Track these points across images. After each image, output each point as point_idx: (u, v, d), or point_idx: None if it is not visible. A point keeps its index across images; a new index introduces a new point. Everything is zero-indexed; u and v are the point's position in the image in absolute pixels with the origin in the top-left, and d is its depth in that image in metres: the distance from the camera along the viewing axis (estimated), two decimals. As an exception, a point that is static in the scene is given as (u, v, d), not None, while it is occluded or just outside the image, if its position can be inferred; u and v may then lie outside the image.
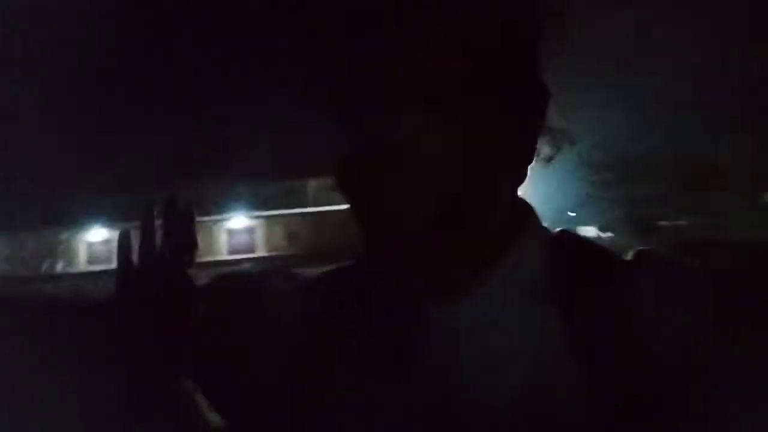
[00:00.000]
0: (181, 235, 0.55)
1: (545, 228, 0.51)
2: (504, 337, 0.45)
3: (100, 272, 13.28)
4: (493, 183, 0.46)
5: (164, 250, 0.55)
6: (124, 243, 0.55)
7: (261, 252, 14.43)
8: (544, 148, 0.49)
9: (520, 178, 0.48)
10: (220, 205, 14.63)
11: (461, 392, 0.45)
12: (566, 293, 0.45)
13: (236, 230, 14.69)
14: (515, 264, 0.47)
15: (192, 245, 0.57)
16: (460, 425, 0.44)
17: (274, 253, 14.16)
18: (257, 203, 14.68)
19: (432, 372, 0.46)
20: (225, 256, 14.54)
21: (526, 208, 0.51)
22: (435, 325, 0.47)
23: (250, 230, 14.61)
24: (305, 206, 15.76)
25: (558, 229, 0.50)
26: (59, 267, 13.62)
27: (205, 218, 14.80)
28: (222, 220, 14.67)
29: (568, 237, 0.50)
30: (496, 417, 0.44)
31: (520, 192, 0.50)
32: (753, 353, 0.42)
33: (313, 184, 16.88)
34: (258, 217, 14.67)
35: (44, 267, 12.42)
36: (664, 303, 0.44)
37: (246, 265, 12.59)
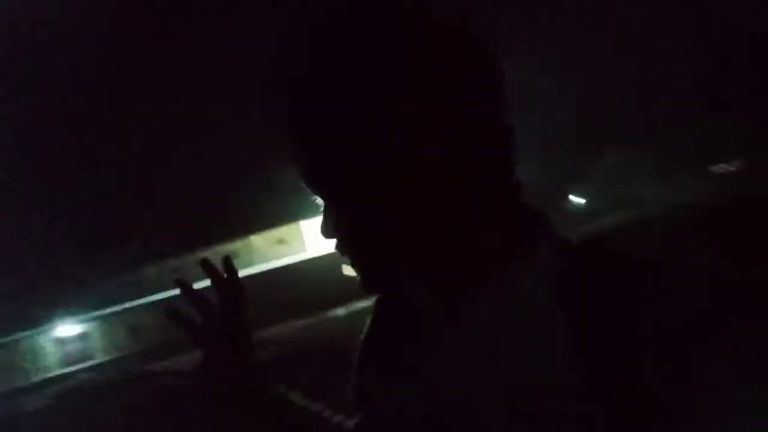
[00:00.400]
0: (233, 286, 0.70)
1: (563, 239, 0.52)
2: (510, 355, 0.47)
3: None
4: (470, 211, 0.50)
5: (223, 303, 0.69)
6: (176, 314, 0.69)
7: (101, 357, 12.83)
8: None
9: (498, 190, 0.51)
10: (46, 314, 12.93)
11: (475, 405, 0.47)
12: (578, 309, 0.45)
13: (68, 339, 12.95)
14: (521, 282, 0.49)
15: (243, 291, 0.71)
16: None
17: (115, 355, 12.65)
18: (89, 304, 13.16)
19: (444, 388, 0.50)
20: (60, 370, 12.80)
21: (536, 221, 0.53)
22: (444, 342, 0.51)
23: (83, 336, 12.94)
24: (144, 296, 14.39)
25: (580, 240, 0.51)
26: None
27: (27, 334, 12.93)
28: (49, 330, 12.93)
29: (589, 249, 0.49)
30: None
31: None
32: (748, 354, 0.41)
33: (151, 270, 15.54)
34: (92, 319, 13.12)
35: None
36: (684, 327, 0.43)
37: (84, 375, 11.06)
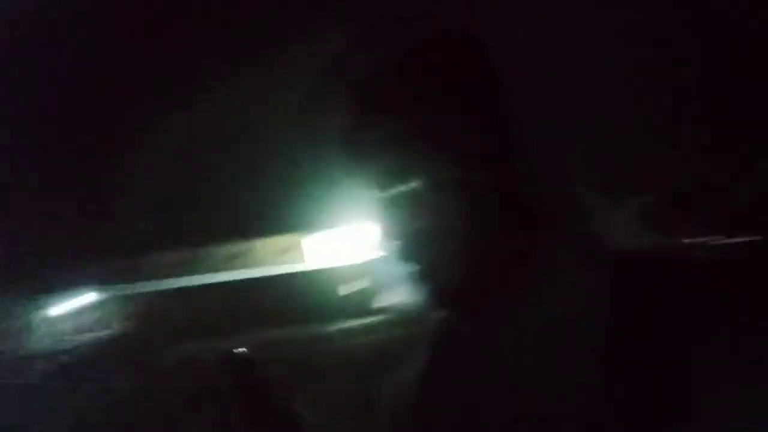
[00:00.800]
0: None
1: (599, 240, 0.51)
2: (543, 354, 0.46)
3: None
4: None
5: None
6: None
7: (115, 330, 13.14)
8: None
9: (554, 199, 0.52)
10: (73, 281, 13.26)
11: (518, 409, 0.47)
12: (612, 309, 0.45)
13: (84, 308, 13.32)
14: (552, 280, 0.49)
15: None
16: None
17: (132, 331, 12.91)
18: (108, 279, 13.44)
19: (493, 391, 0.48)
20: (79, 336, 13.10)
21: (574, 224, 0.52)
22: (478, 343, 0.50)
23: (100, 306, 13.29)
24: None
25: (613, 239, 0.50)
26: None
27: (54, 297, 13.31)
28: (71, 297, 13.29)
29: (630, 249, 0.50)
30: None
31: None
32: None
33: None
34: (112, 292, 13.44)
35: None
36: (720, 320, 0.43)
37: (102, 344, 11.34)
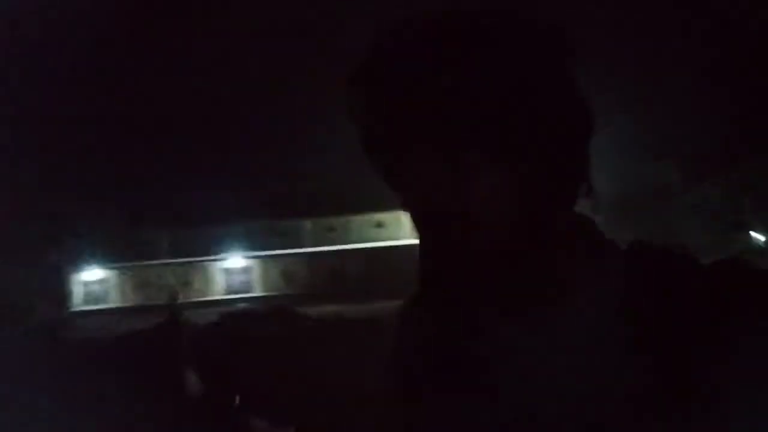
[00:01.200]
0: None
1: (611, 240, 0.49)
2: (574, 352, 0.45)
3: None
4: (547, 205, 0.46)
5: None
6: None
7: (257, 292, 14.50)
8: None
9: (575, 196, 0.48)
10: (217, 245, 14.77)
11: (536, 406, 0.45)
12: (637, 306, 0.45)
13: (233, 270, 14.78)
14: (577, 279, 0.47)
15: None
16: None
17: (270, 293, 14.24)
18: (254, 244, 14.85)
19: (508, 386, 0.47)
20: (223, 296, 14.61)
21: (586, 223, 0.50)
22: (510, 340, 0.47)
23: (246, 270, 14.72)
24: (301, 246, 15.86)
25: (631, 240, 0.49)
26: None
27: (203, 258, 14.93)
28: (219, 260, 14.76)
29: (641, 246, 0.48)
30: (569, 427, 0.44)
31: None
32: None
33: (308, 225, 16.96)
34: (254, 257, 14.79)
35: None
36: (744, 313, 0.43)
37: (242, 305, 12.70)
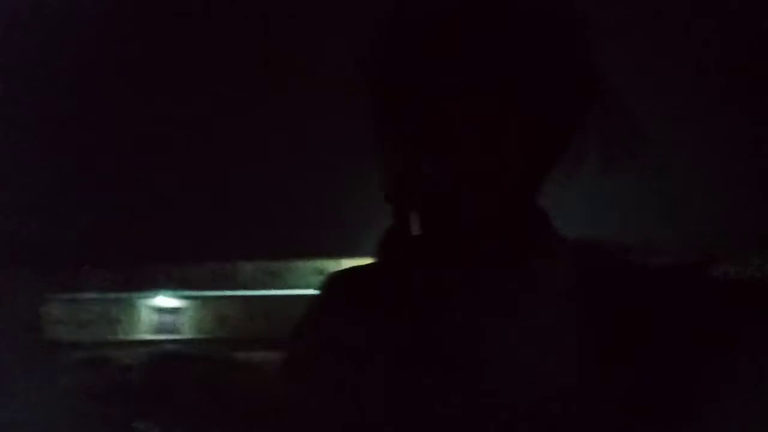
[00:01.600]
0: None
1: (562, 235, 0.53)
2: (524, 335, 0.48)
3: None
4: (516, 182, 0.49)
5: None
6: None
7: (188, 334, 14.03)
8: (591, 156, 0.49)
9: (536, 184, 0.51)
10: (148, 283, 14.24)
11: (486, 387, 0.48)
12: (582, 297, 0.49)
13: (164, 309, 14.26)
14: (532, 266, 0.50)
15: None
16: (486, 418, 0.48)
17: (201, 336, 13.79)
18: (186, 284, 14.38)
19: (460, 365, 0.49)
20: (151, 336, 14.04)
21: (542, 215, 0.54)
22: (464, 319, 0.50)
23: (177, 311, 14.23)
24: (236, 289, 15.52)
25: (575, 237, 0.52)
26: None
27: (132, 294, 14.40)
28: (149, 298, 14.24)
29: (586, 242, 0.53)
30: (518, 409, 0.47)
31: None
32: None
33: (245, 267, 16.69)
34: (187, 297, 14.33)
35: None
36: (681, 310, 0.47)
37: (170, 347, 12.23)
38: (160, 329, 14.74)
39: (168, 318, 15.03)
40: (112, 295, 15.70)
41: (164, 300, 15.16)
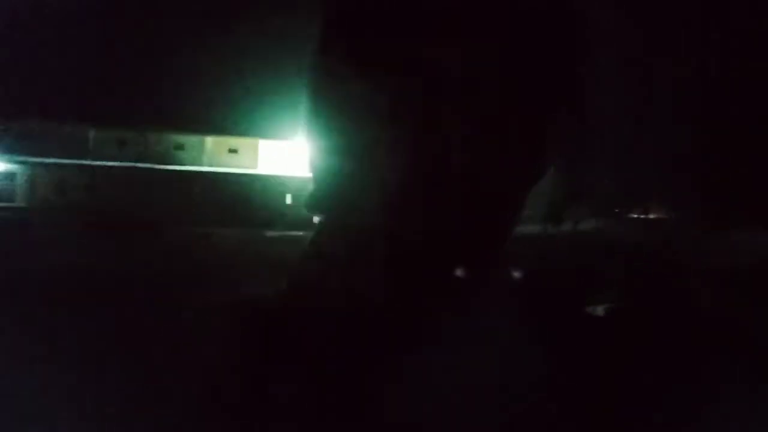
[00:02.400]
0: None
1: (509, 266, 0.59)
2: (479, 354, 0.47)
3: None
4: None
5: None
6: None
7: (22, 202, 12.69)
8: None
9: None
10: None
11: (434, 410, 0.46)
12: (542, 317, 0.54)
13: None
14: (496, 286, 0.49)
15: None
16: None
17: (38, 205, 12.55)
18: (25, 147, 12.90)
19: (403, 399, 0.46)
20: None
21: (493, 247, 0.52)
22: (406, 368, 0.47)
23: (10, 176, 12.74)
24: (84, 158, 14.19)
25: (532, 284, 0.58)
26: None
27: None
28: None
29: (533, 275, 0.60)
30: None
31: None
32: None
33: (95, 135, 15.25)
34: (23, 162, 12.88)
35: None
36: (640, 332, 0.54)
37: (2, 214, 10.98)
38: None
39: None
40: None
41: None
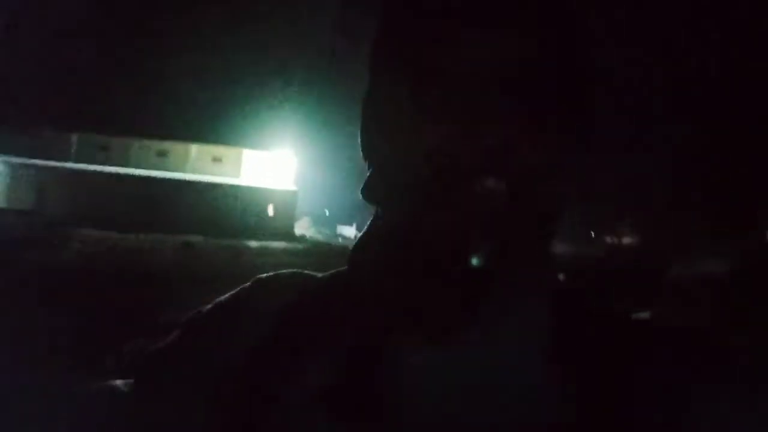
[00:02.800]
0: None
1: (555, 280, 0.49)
2: (492, 386, 0.43)
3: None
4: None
5: None
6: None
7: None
8: None
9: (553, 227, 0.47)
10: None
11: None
12: (563, 350, 0.44)
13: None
14: (517, 313, 0.45)
15: None
16: None
17: (12, 208, 12.37)
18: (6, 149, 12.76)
19: (409, 417, 0.43)
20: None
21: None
22: (415, 369, 0.44)
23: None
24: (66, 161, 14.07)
25: (564, 286, 0.48)
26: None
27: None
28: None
29: (573, 293, 0.48)
30: None
31: None
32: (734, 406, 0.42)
33: (77, 139, 15.13)
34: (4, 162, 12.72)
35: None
36: (664, 371, 0.43)
37: None
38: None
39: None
40: None
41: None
